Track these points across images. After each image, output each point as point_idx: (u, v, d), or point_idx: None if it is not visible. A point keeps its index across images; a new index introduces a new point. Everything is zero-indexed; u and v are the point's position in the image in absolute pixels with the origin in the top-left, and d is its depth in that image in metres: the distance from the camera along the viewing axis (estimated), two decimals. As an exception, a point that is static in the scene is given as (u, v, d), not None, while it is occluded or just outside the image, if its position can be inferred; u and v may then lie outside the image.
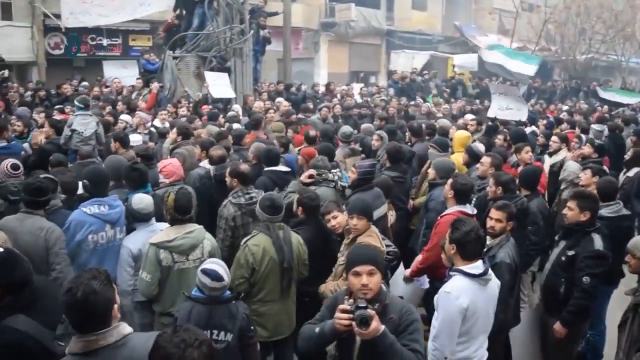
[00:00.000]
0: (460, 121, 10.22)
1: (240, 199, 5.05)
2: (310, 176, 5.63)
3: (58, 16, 13.99)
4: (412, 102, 13.99)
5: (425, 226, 5.62)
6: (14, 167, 5.08)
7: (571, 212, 4.59)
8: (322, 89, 15.79)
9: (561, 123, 11.17)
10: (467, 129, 8.61)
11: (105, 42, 17.74)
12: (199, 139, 7.26)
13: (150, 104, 11.27)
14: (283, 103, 11.88)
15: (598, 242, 4.45)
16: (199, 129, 8.12)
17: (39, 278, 3.29)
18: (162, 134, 8.44)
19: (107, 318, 2.40)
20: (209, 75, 11.98)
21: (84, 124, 7.78)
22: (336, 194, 5.73)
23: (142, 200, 4.48)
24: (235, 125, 8.65)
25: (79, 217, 4.50)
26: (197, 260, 4.10)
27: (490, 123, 9.88)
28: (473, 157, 6.66)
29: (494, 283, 3.63)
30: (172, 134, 7.54)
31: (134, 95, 12.32)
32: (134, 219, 4.56)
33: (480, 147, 6.84)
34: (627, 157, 7.86)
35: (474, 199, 5.49)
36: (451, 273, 3.59)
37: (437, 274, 4.66)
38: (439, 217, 4.97)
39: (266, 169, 6.05)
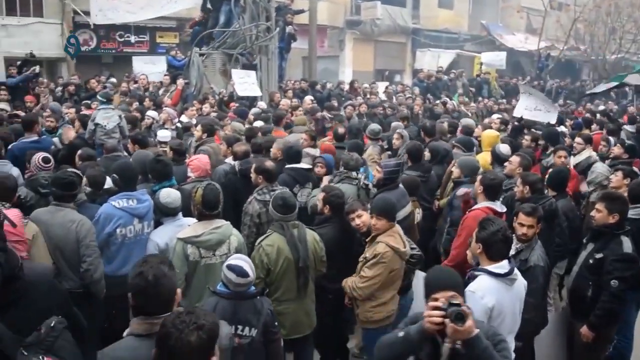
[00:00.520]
0: (486, 120, 10.11)
1: (266, 195, 5.06)
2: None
3: (87, 13, 14.22)
4: (438, 101, 13.89)
5: (449, 224, 5.58)
6: (45, 160, 5.19)
7: (599, 214, 4.51)
8: (346, 87, 15.76)
9: (591, 124, 10.85)
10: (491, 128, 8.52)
11: (133, 38, 18.06)
12: (224, 135, 7.29)
13: (175, 100, 11.40)
14: (306, 100, 11.90)
15: (627, 244, 4.37)
16: (227, 126, 8.17)
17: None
18: (187, 128, 8.48)
19: (171, 302, 2.45)
20: (236, 73, 12.01)
21: (106, 117, 7.88)
22: (359, 192, 5.73)
23: (169, 194, 4.51)
24: (257, 123, 8.65)
25: (108, 211, 4.57)
26: (223, 256, 4.09)
27: (516, 123, 9.76)
28: (496, 159, 6.60)
29: (520, 283, 3.57)
30: (197, 132, 7.55)
31: (160, 92, 12.43)
32: (161, 213, 4.59)
33: (505, 149, 6.76)
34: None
35: (501, 199, 5.42)
36: (476, 273, 3.55)
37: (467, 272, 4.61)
38: (467, 212, 4.91)
39: (287, 166, 6.05)
